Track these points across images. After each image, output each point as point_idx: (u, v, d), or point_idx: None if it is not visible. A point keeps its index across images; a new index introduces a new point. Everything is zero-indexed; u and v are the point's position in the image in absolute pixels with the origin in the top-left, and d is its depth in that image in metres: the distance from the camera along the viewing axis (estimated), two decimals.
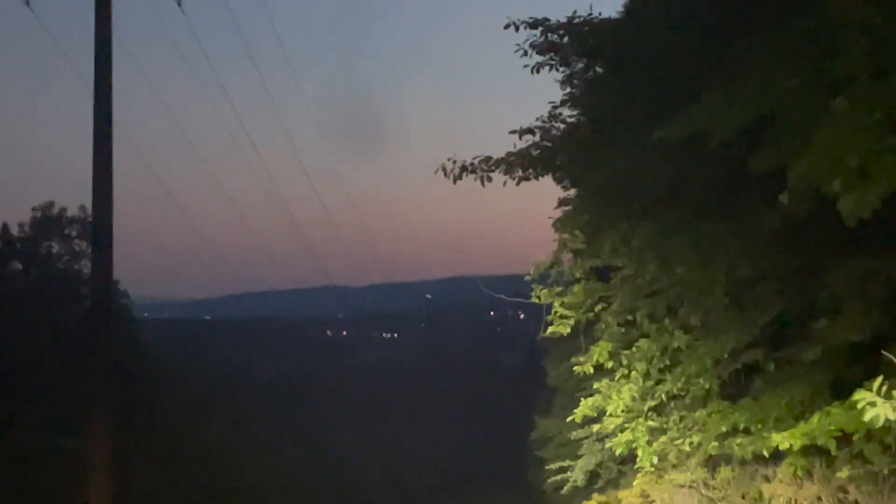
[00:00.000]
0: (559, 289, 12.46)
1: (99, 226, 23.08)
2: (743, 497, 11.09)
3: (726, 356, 10.28)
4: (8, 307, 35.44)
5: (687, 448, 10.48)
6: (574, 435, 22.55)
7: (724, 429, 9.79)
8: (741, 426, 9.52)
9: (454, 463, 67.17)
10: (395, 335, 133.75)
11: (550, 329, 12.67)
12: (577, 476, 22.85)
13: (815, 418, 7.07)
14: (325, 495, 51.94)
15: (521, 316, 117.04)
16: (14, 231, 42.11)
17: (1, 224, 41.71)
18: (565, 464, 24.10)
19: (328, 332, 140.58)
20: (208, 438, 44.65)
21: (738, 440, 9.64)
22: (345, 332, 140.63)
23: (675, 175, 9.64)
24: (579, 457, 22.78)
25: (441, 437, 69.58)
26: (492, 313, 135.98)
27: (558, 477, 24.41)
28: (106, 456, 22.39)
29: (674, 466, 12.60)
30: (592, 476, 22.88)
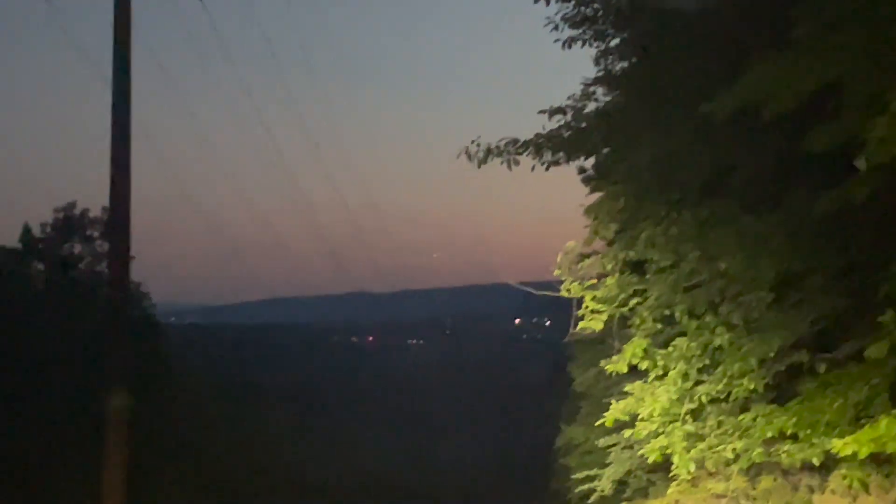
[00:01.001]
0: (591, 281, 11.66)
1: (116, 218, 22.81)
2: None
3: (772, 355, 9.50)
4: (29, 308, 35.07)
5: (729, 455, 9.70)
6: (601, 442, 21.80)
7: (769, 434, 9.03)
8: (788, 431, 8.77)
9: (479, 471, 66.44)
10: (421, 342, 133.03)
11: (581, 324, 11.87)
12: (604, 485, 21.99)
13: (883, 423, 6.31)
14: (347, 501, 51.46)
15: (548, 323, 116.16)
16: (36, 232, 41.84)
17: (23, 225, 41.50)
18: (592, 472, 23.28)
19: (353, 339, 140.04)
20: (230, 444, 44.29)
21: (786, 446, 8.88)
22: (370, 339, 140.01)
23: (719, 159, 8.91)
24: (606, 465, 22.00)
25: (465, 444, 68.82)
26: (517, 321, 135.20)
27: (584, 486, 23.58)
28: (120, 455, 22.06)
29: (710, 475, 11.81)
30: (620, 485, 22.08)
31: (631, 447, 20.49)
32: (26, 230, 41.54)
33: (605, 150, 10.13)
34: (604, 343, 23.20)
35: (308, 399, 69.57)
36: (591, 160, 10.96)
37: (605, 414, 12.00)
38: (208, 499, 38.13)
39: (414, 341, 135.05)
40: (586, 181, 16.62)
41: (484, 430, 75.86)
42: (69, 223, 42.30)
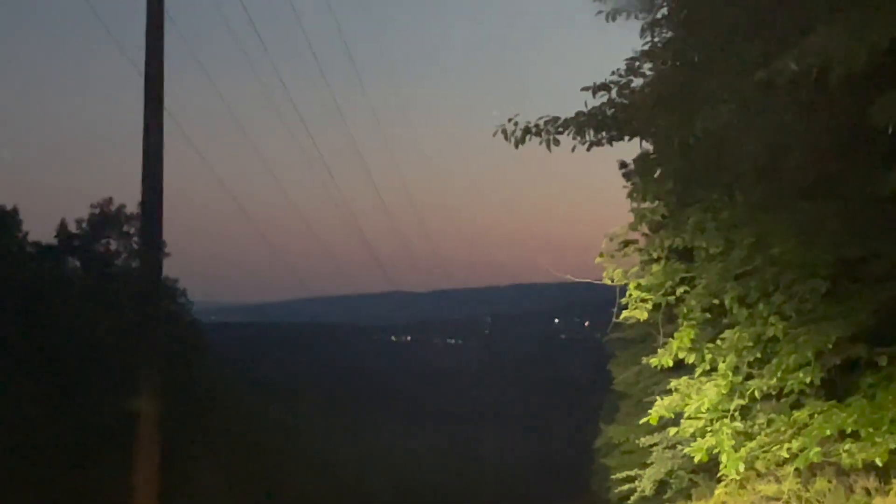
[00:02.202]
0: (634, 268, 11.05)
1: (148, 206, 22.66)
2: None
3: (830, 347, 8.86)
4: (65, 305, 34.98)
5: (784, 454, 9.06)
6: (643, 441, 21.33)
7: (827, 432, 8.41)
8: (848, 430, 8.16)
9: (518, 471, 66.09)
10: (460, 341, 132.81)
11: (625, 313, 11.24)
12: (644, 485, 21.55)
13: None
14: (384, 502, 51.32)
15: (587, 324, 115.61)
16: (72, 228, 41.77)
17: (59, 220, 41.46)
18: (632, 472, 22.83)
19: (392, 338, 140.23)
20: (268, 439, 44.17)
21: (846, 445, 8.25)
22: (408, 338, 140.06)
23: (773, 137, 8.31)
24: (647, 465, 21.54)
25: (504, 444, 68.44)
26: (556, 320, 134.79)
27: (625, 486, 23.14)
28: (153, 445, 21.84)
29: (759, 476, 11.19)
30: (661, 486, 21.55)
31: (673, 447, 19.96)
32: (62, 226, 41.48)
33: (652, 129, 9.51)
34: (644, 341, 22.70)
35: (347, 397, 69.51)
36: (634, 148, 10.34)
37: (649, 411, 11.36)
38: (245, 492, 38.03)
39: (452, 340, 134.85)
40: (627, 176, 16.01)
41: (523, 429, 75.49)
42: (105, 219, 42.20)
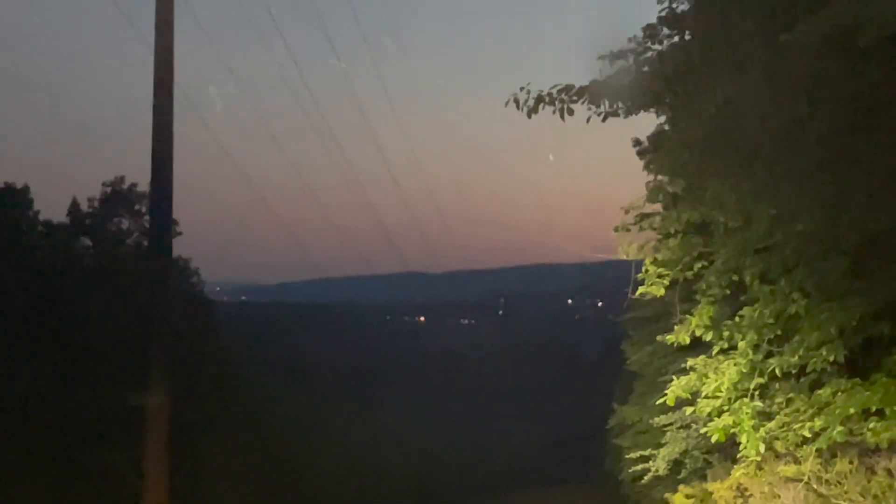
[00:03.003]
0: (651, 243, 10.72)
1: (158, 182, 22.55)
2: (863, 494, 9.37)
3: (854, 324, 8.54)
4: (77, 284, 34.82)
5: (807, 433, 8.76)
6: (656, 421, 21.10)
7: (851, 411, 8.11)
8: (873, 408, 7.86)
9: (531, 451, 66.02)
10: (473, 322, 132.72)
11: (641, 289, 10.92)
12: (658, 465, 21.32)
13: None
14: (400, 483, 51.30)
15: (600, 304, 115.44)
16: (84, 207, 41.56)
17: (71, 199, 41.26)
18: (646, 452, 22.58)
19: (406, 318, 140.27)
20: (281, 419, 44.07)
21: (871, 424, 7.95)
22: (422, 319, 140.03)
23: (795, 105, 7.95)
24: (661, 445, 21.31)
25: (518, 424, 68.30)
26: (570, 301, 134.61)
27: (638, 466, 22.90)
28: (162, 425, 21.75)
29: (777, 457, 10.90)
30: (675, 466, 21.31)
31: (688, 426, 19.74)
32: (74, 205, 41.28)
33: (669, 99, 9.17)
34: (659, 321, 22.43)
35: (361, 377, 69.38)
36: (649, 126, 10.01)
37: (665, 391, 11.04)
38: (259, 471, 37.97)
39: (466, 321, 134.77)
40: (641, 154, 15.69)
41: (536, 409, 75.37)
42: (117, 198, 41.94)
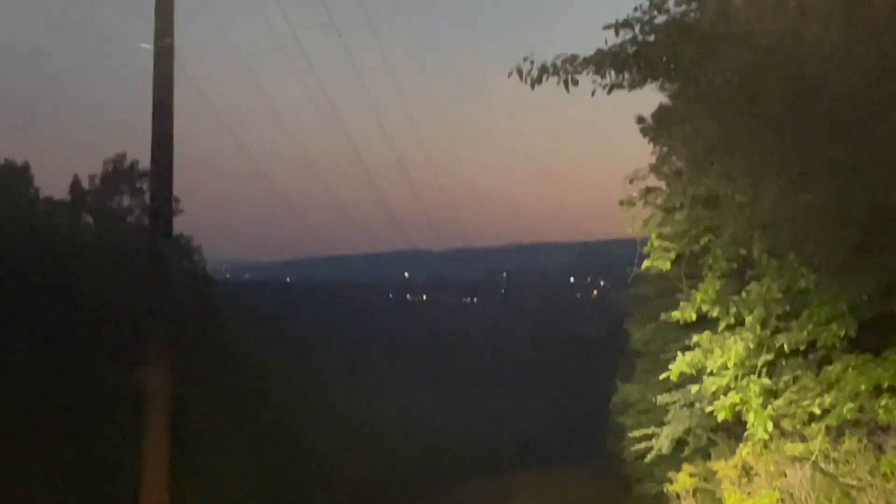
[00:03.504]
0: (656, 216, 10.49)
1: (158, 160, 22.45)
2: (871, 473, 9.20)
3: (865, 298, 8.34)
4: (78, 262, 34.64)
5: (816, 410, 8.57)
6: (660, 399, 20.92)
7: (862, 387, 7.92)
8: (885, 384, 7.67)
9: (534, 429, 65.96)
10: (475, 300, 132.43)
11: (647, 263, 10.70)
12: (661, 443, 21.11)
13: None
14: (404, 461, 51.24)
15: (602, 283, 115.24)
16: (85, 184, 41.35)
17: (72, 176, 41.01)
18: (649, 430, 22.39)
19: (408, 297, 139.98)
20: (284, 398, 43.92)
21: (882, 401, 7.76)
22: (424, 297, 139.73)
23: (809, 73, 7.74)
24: (664, 423, 21.11)
25: (520, 404, 68.19)
26: (572, 279, 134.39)
27: (641, 445, 22.69)
28: (163, 403, 21.68)
29: (783, 435, 10.72)
30: (679, 444, 21.13)
31: (692, 405, 19.55)
32: (75, 182, 41.05)
33: (676, 69, 8.93)
34: (662, 298, 22.23)
35: (363, 356, 69.15)
36: (653, 103, 9.77)
37: (669, 367, 10.84)
38: (261, 450, 37.87)
39: (468, 299, 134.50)
40: (645, 131, 15.47)
41: (539, 388, 75.26)
42: (118, 175, 41.69)
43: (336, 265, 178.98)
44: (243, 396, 39.42)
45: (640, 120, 17.66)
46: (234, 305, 53.96)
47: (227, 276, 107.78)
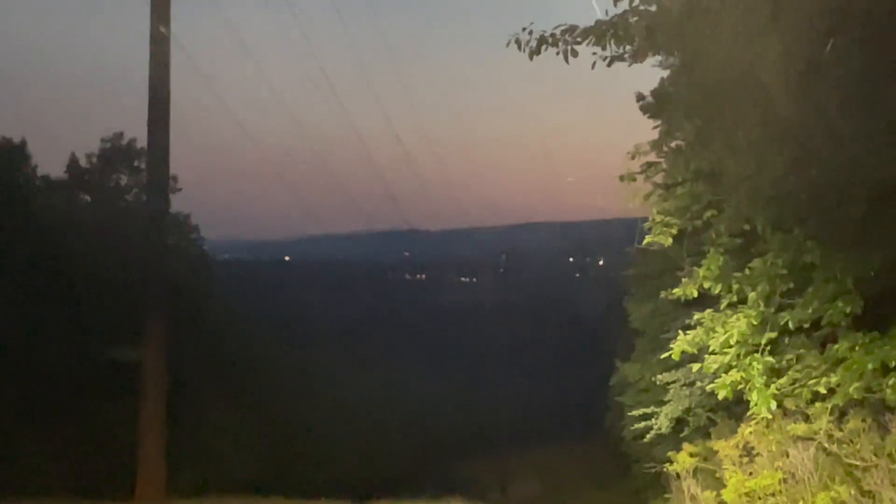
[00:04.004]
0: (657, 192, 10.25)
1: (154, 138, 22.42)
2: (876, 454, 9.02)
3: (872, 274, 8.13)
4: (76, 240, 34.45)
5: (822, 389, 8.38)
6: (659, 379, 20.80)
7: (870, 366, 7.73)
8: (892, 363, 7.47)
9: (532, 410, 65.93)
10: (473, 279, 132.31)
11: (648, 238, 10.47)
12: (661, 423, 21.02)
13: None
14: (401, 441, 51.24)
15: (601, 262, 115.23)
16: (83, 163, 41.13)
17: (69, 155, 40.81)
18: (648, 410, 22.27)
19: (406, 276, 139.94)
20: (280, 378, 43.82)
21: (889, 380, 7.57)
22: (422, 276, 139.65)
23: (818, 38, 7.50)
24: (664, 403, 21.00)
25: (519, 382, 68.09)
26: (571, 259, 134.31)
27: (640, 424, 22.57)
28: (159, 379, 21.67)
29: (786, 414, 10.55)
30: (678, 424, 21.02)
31: (692, 384, 19.43)
32: (73, 161, 40.84)
33: (678, 40, 8.67)
34: (662, 277, 22.05)
35: (360, 336, 69.06)
36: (653, 79, 9.52)
37: (671, 345, 10.64)
38: (257, 427, 37.80)
39: (466, 279, 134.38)
40: (645, 109, 15.23)
41: (537, 367, 75.22)
42: (116, 154, 41.46)
43: (335, 244, 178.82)
44: (241, 374, 39.36)
45: (641, 97, 17.45)
46: (232, 284, 53.91)
47: (227, 255, 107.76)
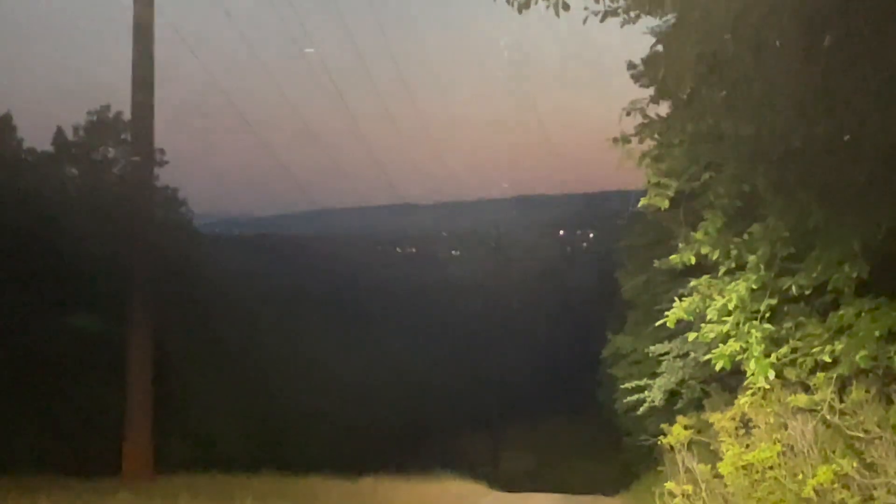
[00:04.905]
0: (653, 151, 9.84)
1: (139, 109, 22.11)
2: (880, 425, 8.67)
3: (880, 238, 7.75)
4: (64, 213, 34.08)
5: (827, 358, 8.02)
6: (652, 350, 20.57)
7: (877, 333, 7.38)
8: None
9: (524, 383, 65.90)
10: (465, 253, 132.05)
11: (643, 201, 10.05)
12: (654, 395, 20.81)
13: None
14: (393, 416, 51.20)
15: (592, 235, 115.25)
16: (69, 135, 40.73)
17: (56, 128, 40.40)
18: (641, 382, 22.06)
19: (397, 250, 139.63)
20: (272, 353, 43.63)
21: None
22: (414, 250, 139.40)
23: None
24: (657, 375, 20.79)
25: (511, 356, 68.01)
26: (562, 232, 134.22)
27: (633, 397, 22.37)
28: (145, 355, 21.37)
29: (784, 385, 10.21)
30: (671, 396, 20.79)
31: (685, 355, 19.18)
32: (59, 133, 40.44)
33: None
34: (655, 248, 21.77)
35: (352, 310, 68.77)
36: (646, 46, 9.08)
37: (666, 313, 10.28)
38: (246, 404, 37.65)
39: (458, 252, 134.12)
40: (636, 78, 14.80)
41: (529, 340, 75.12)
42: (103, 126, 41.07)
43: (325, 218, 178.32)
44: (231, 350, 39.18)
45: (632, 66, 17.04)
46: (222, 259, 53.59)
47: (218, 230, 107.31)
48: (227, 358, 37.97)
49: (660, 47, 9.64)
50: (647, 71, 10.43)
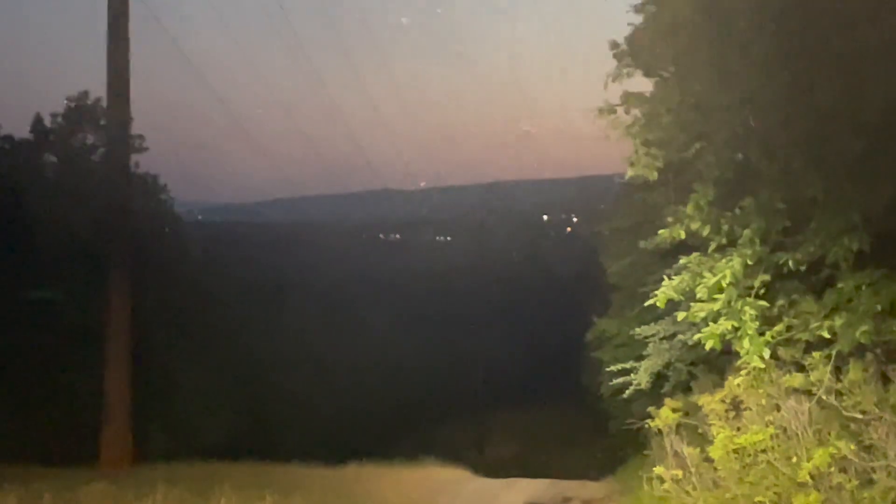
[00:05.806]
0: (641, 121, 9.42)
1: (115, 94, 21.80)
2: (878, 405, 8.36)
3: (880, 209, 7.40)
4: (42, 200, 33.66)
5: (825, 334, 7.66)
6: (638, 332, 20.25)
7: (878, 307, 7.04)
8: None
9: (509, 370, 65.63)
10: (450, 239, 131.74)
11: (631, 171, 9.64)
12: (640, 378, 20.44)
13: None
14: (379, 403, 50.95)
15: (575, 219, 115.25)
16: (48, 122, 40.28)
17: (34, 115, 39.91)
18: (627, 365, 21.71)
19: (381, 236, 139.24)
20: (256, 340, 43.23)
21: None
22: (398, 236, 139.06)
23: None
24: (643, 357, 20.45)
25: (496, 342, 67.77)
26: (546, 217, 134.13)
27: (619, 380, 22.02)
28: (124, 344, 21.01)
29: (777, 365, 9.87)
30: (658, 379, 20.47)
31: (671, 337, 18.89)
32: (38, 120, 39.96)
33: None
34: (639, 230, 21.48)
35: (335, 297, 68.37)
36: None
37: (655, 293, 9.89)
38: (229, 394, 37.30)
39: (442, 238, 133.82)
40: (619, 57, 14.44)
41: (513, 326, 74.90)
42: (81, 113, 40.61)
43: (308, 205, 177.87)
44: (214, 338, 38.76)
45: (615, 45, 16.68)
46: (204, 246, 53.17)
47: (199, 217, 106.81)
48: (208, 345, 37.54)
49: (640, 18, 9.28)
50: (629, 49, 10.06)
